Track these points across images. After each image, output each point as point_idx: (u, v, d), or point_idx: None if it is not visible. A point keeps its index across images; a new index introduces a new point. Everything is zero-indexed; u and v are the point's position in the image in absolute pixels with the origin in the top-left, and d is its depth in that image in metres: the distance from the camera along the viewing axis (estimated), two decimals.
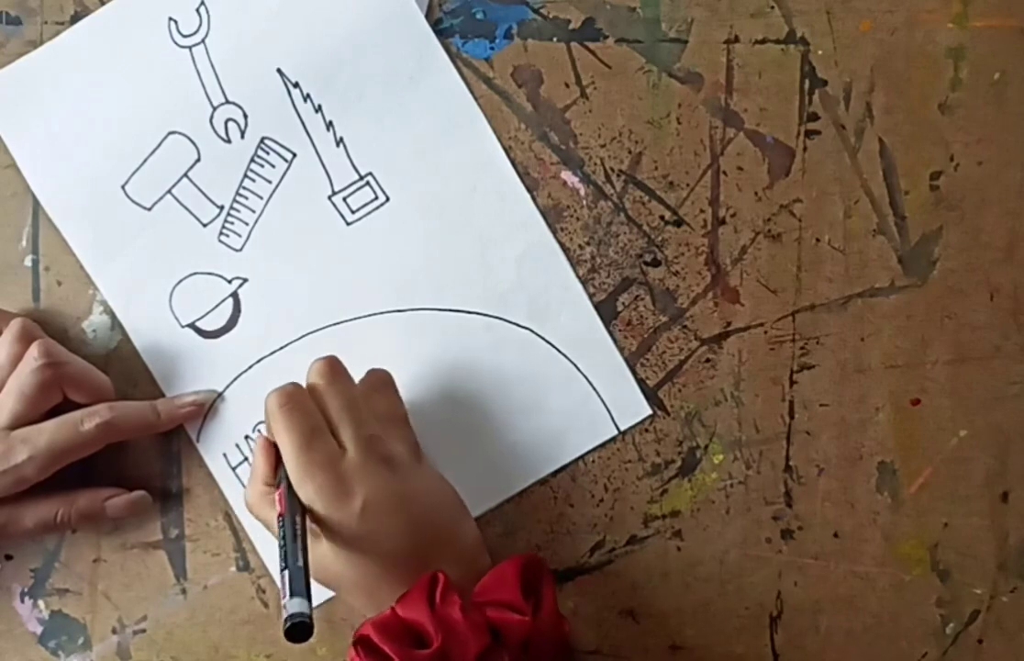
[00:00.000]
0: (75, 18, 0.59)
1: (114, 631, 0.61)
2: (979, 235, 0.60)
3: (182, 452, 0.61)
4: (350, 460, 0.53)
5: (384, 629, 0.51)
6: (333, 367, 0.56)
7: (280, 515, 0.52)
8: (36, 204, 0.60)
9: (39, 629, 0.61)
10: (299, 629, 0.48)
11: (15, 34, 0.59)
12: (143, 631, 0.61)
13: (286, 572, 0.49)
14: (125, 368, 0.60)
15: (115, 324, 0.60)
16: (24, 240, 0.60)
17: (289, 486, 0.52)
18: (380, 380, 0.58)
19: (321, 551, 0.53)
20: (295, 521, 0.51)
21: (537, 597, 0.54)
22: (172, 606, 0.61)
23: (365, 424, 0.55)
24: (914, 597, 0.61)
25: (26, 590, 0.61)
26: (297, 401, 0.54)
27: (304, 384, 0.56)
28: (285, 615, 0.48)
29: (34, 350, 0.56)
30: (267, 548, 0.61)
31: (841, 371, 0.61)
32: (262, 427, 0.59)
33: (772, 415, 0.61)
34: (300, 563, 0.49)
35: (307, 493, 0.52)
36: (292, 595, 0.48)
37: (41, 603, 0.61)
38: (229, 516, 0.61)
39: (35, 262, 0.60)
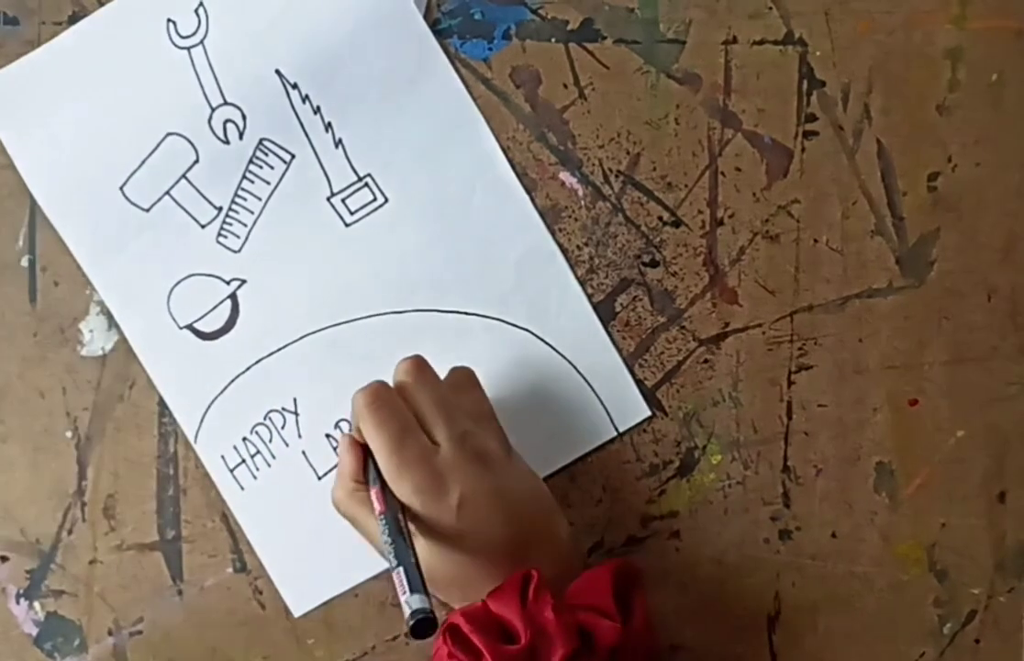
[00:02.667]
0: (73, 18, 0.59)
1: (110, 633, 0.61)
2: (977, 236, 0.60)
3: (179, 453, 0.61)
4: (444, 456, 0.52)
5: (474, 619, 0.50)
6: (420, 365, 0.55)
7: (381, 513, 0.51)
8: (33, 204, 0.59)
9: (35, 631, 0.61)
10: (424, 625, 0.46)
11: (13, 34, 0.59)
12: (139, 633, 0.61)
13: (400, 569, 0.48)
14: (122, 369, 0.60)
15: (112, 325, 0.60)
16: (21, 240, 0.60)
17: (384, 484, 0.52)
18: (465, 377, 0.57)
19: (416, 549, 0.52)
20: (397, 518, 0.50)
21: (628, 606, 0.53)
22: (168, 607, 0.61)
23: (457, 420, 0.54)
24: (912, 597, 0.61)
25: (22, 592, 0.61)
26: (385, 399, 0.53)
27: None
28: (408, 612, 0.46)
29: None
30: (265, 549, 0.61)
31: (839, 372, 0.61)
32: (343, 426, 0.59)
33: (770, 416, 0.61)
34: (412, 559, 0.48)
35: (403, 490, 0.51)
36: (412, 591, 0.47)
37: (37, 605, 0.61)
38: (226, 517, 0.61)
39: (32, 262, 0.60)
